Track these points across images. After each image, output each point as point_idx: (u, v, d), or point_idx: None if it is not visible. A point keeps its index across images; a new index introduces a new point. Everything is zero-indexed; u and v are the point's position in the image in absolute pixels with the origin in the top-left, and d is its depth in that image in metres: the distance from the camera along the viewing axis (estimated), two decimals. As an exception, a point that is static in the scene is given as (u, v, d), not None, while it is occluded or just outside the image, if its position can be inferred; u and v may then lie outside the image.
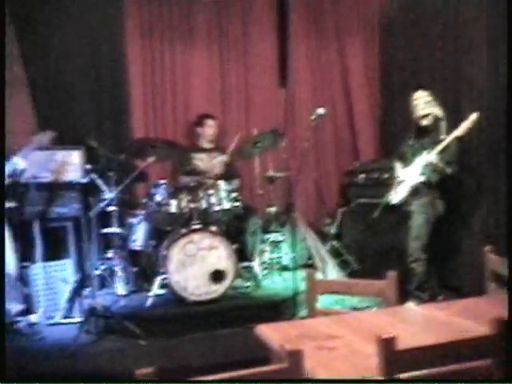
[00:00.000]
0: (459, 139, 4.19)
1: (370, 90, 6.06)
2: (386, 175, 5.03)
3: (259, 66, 5.89)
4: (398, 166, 4.59)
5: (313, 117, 4.37)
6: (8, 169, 4.17)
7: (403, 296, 3.09)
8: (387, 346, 1.59)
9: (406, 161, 4.51)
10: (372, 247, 5.18)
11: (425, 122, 4.41)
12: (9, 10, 4.96)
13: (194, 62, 5.72)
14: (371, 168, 5.49)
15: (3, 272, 1.67)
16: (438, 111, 4.40)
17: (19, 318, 4.10)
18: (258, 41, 5.88)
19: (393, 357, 1.59)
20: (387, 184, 4.72)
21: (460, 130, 4.12)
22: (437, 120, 4.39)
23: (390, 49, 5.82)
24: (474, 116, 4.08)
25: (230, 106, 5.84)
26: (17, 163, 4.19)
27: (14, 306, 4.11)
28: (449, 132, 4.23)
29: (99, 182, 4.46)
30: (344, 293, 3.11)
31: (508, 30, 3.96)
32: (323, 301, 2.86)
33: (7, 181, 4.22)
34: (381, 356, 1.58)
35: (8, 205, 4.48)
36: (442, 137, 4.26)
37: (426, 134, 4.42)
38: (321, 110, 4.32)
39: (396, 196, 4.50)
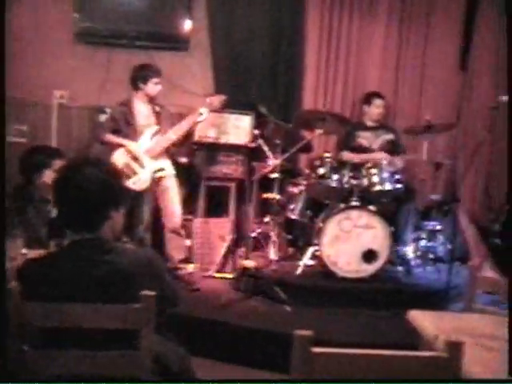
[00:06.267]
0: None
1: None
2: None
3: (439, 45, 5.59)
4: None
5: (493, 104, 4.12)
6: (189, 122, 4.41)
7: None
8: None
9: None
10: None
11: None
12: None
13: (371, 38, 5.57)
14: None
15: (4, 269, 1.79)
16: None
17: (180, 266, 4.41)
18: (441, 19, 5.55)
19: None
20: None
21: None
22: None
23: None
24: None
25: (404, 86, 5.62)
26: (202, 117, 4.39)
27: (176, 254, 4.43)
28: None
29: (265, 148, 4.58)
30: (505, 294, 2.92)
31: (508, 30, 3.41)
32: (477, 299, 2.72)
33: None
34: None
35: (181, 160, 4.81)
36: None
37: None
38: (504, 98, 4.06)
39: None
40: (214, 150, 5.00)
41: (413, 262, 4.64)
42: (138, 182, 4.29)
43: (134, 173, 4.29)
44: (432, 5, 5.55)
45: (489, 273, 4.72)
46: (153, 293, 1.72)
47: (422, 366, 1.56)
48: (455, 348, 1.51)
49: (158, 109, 4.52)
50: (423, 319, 2.19)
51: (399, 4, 5.54)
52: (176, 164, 4.65)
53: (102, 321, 1.71)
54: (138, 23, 5.29)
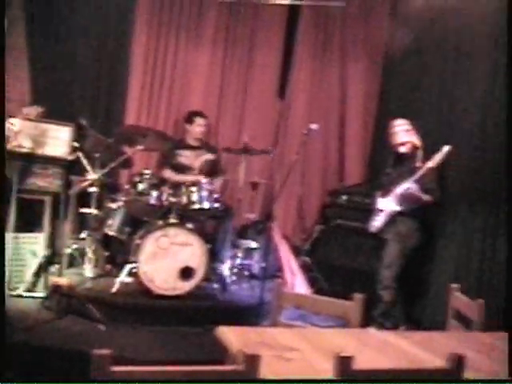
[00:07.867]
0: (435, 169, 4.18)
1: (366, 116, 6.02)
2: (367, 200, 5.07)
3: (260, 73, 5.91)
4: (378, 194, 4.62)
5: (305, 131, 4.44)
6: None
7: (366, 321, 3.12)
8: (344, 364, 1.62)
9: (385, 189, 4.55)
10: (343, 269, 5.21)
11: (403, 150, 4.44)
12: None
13: (196, 60, 5.72)
14: (355, 191, 5.52)
15: (4, 269, 1.65)
16: (416, 140, 4.42)
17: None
18: (262, 49, 5.89)
19: (348, 375, 1.61)
20: (368, 209, 4.76)
21: (433, 162, 4.12)
22: (415, 148, 4.41)
23: (390, 78, 5.85)
24: (445, 148, 4.07)
25: (226, 109, 5.84)
26: (13, 127, 4.15)
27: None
28: (424, 161, 4.24)
29: (84, 161, 4.44)
30: (309, 309, 3.13)
31: (508, 32, 3.94)
32: (286, 315, 2.88)
33: None
34: (336, 373, 1.61)
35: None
36: (418, 164, 4.27)
37: (404, 163, 4.45)
38: (313, 126, 4.39)
39: (374, 224, 4.54)
40: (28, 161, 4.70)
41: (229, 279, 4.78)
42: None
43: None
44: (254, 33, 5.85)
45: (299, 288, 5.03)
46: None
47: (221, 379, 1.61)
48: (251, 360, 1.59)
49: (-37, 113, 4.16)
50: (230, 335, 2.26)
51: (224, 31, 5.77)
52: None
53: None
54: None
